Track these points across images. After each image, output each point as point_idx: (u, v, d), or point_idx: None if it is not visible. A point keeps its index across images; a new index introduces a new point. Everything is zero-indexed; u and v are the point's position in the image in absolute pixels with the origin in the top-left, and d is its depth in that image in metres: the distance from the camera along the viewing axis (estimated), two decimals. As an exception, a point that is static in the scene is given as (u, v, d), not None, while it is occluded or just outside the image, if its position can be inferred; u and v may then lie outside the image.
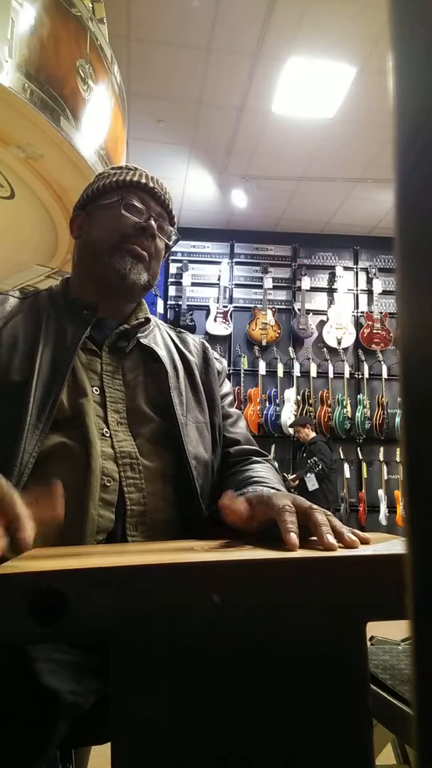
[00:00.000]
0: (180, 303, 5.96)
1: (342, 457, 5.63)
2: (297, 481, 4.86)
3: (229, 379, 1.13)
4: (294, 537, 0.57)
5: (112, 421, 0.87)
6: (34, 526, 0.57)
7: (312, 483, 4.79)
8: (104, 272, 0.94)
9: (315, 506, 0.63)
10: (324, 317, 6.05)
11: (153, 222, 0.95)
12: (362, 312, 6.09)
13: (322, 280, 6.19)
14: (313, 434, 5.21)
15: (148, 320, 1.01)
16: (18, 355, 0.86)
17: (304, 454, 5.14)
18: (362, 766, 0.46)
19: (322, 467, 4.85)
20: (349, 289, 6.15)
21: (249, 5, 3.37)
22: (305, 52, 3.71)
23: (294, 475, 4.98)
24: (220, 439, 0.98)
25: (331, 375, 5.80)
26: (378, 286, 6.04)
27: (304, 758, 0.45)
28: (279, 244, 6.22)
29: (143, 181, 0.97)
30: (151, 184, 0.98)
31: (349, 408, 5.72)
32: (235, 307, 6.04)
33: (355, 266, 6.23)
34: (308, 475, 4.83)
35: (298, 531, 0.58)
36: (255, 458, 0.99)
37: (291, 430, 5.55)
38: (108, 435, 0.85)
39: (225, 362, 1.13)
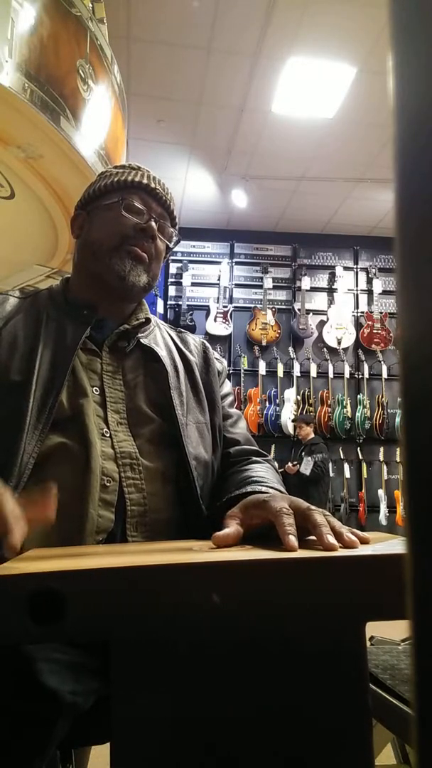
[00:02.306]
0: (180, 303, 5.96)
1: (342, 457, 5.64)
2: (297, 467, 4.87)
3: (229, 379, 1.13)
4: (293, 539, 0.56)
5: (112, 421, 0.87)
6: (25, 528, 0.58)
7: (307, 467, 4.80)
8: (104, 273, 0.94)
9: (313, 507, 0.63)
10: (324, 317, 6.05)
11: (153, 223, 0.95)
12: (362, 312, 6.09)
13: (322, 280, 6.19)
14: (312, 434, 5.21)
15: (148, 320, 1.01)
16: (18, 355, 0.86)
17: (302, 453, 5.14)
18: (362, 766, 0.46)
19: (321, 462, 4.85)
20: (349, 289, 6.15)
21: (249, 5, 3.37)
22: (305, 52, 3.71)
23: (295, 462, 4.98)
24: (220, 439, 0.98)
25: (331, 375, 5.81)
26: (378, 286, 6.04)
27: (304, 758, 0.45)
28: (279, 244, 6.22)
29: (144, 181, 0.97)
30: (152, 185, 0.97)
31: (349, 408, 5.72)
32: (235, 307, 6.04)
33: (355, 266, 6.23)
34: (307, 458, 4.84)
35: (297, 533, 0.58)
36: (254, 458, 0.98)
37: (291, 429, 5.55)
38: (108, 435, 0.85)
39: (225, 362, 1.13)
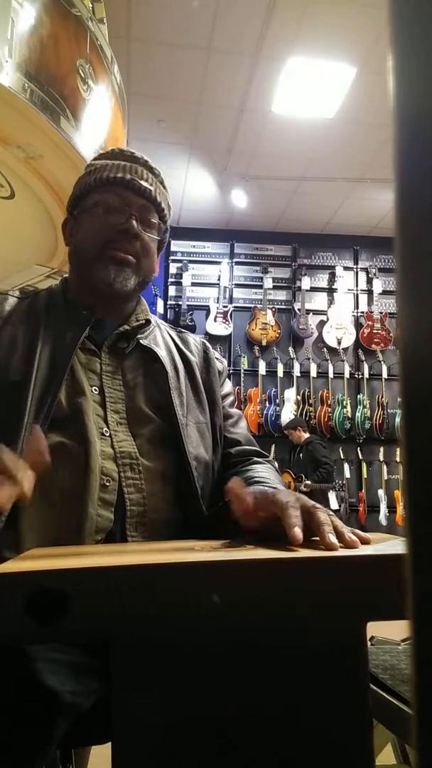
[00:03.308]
0: (180, 303, 5.96)
1: (342, 457, 5.63)
2: (309, 489, 4.82)
3: (230, 379, 1.12)
4: (298, 531, 0.57)
5: (111, 421, 0.87)
6: (29, 474, 0.63)
7: (334, 503, 4.83)
8: (93, 280, 0.93)
9: (318, 505, 0.63)
10: (324, 317, 6.05)
11: (134, 221, 0.92)
12: (362, 312, 6.09)
13: (322, 280, 6.19)
14: (305, 435, 5.18)
15: (148, 321, 1.00)
16: (17, 355, 0.86)
17: (300, 455, 5.12)
18: (362, 766, 0.46)
19: (327, 468, 4.85)
20: (349, 289, 6.15)
21: (249, 5, 3.37)
22: (305, 52, 3.71)
23: (309, 483, 4.93)
24: (220, 439, 0.98)
25: (331, 375, 5.80)
26: (378, 286, 6.04)
27: (304, 758, 0.45)
28: (279, 244, 6.22)
29: (119, 175, 0.93)
30: (128, 177, 0.93)
31: (349, 408, 5.72)
32: (235, 307, 6.04)
33: (355, 266, 6.23)
34: (330, 493, 4.85)
35: (302, 526, 0.58)
36: (256, 459, 0.98)
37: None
38: (108, 435, 0.85)
39: (226, 362, 1.13)
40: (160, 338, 1.01)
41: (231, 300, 6.07)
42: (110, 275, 0.91)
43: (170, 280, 6.07)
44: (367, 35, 3.51)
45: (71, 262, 0.99)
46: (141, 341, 0.96)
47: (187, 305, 5.97)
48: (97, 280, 0.92)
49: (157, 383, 0.93)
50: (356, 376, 5.91)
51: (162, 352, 0.96)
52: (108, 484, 0.81)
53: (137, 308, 1.01)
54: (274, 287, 6.11)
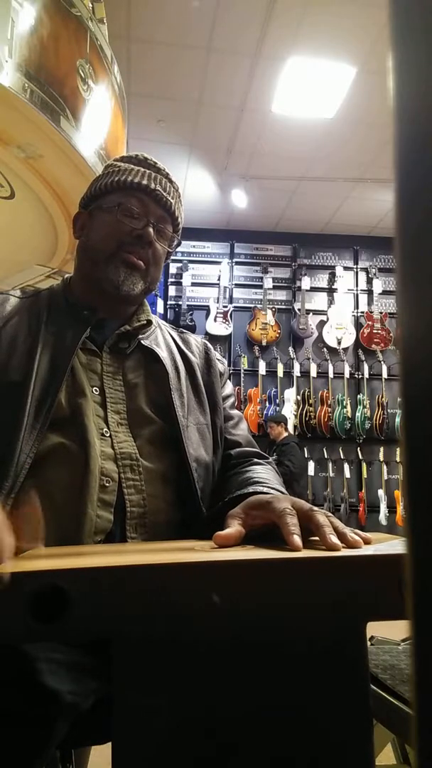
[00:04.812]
0: (180, 303, 5.96)
1: (342, 457, 5.63)
2: None
3: (230, 379, 1.12)
4: (297, 539, 0.57)
5: (112, 421, 0.87)
6: (12, 541, 0.53)
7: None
8: (100, 279, 0.93)
9: (315, 508, 0.63)
10: (324, 317, 6.05)
11: (151, 229, 0.93)
12: (362, 312, 6.09)
13: (322, 280, 6.18)
14: (285, 434, 5.15)
15: (150, 322, 1.00)
16: (17, 355, 0.86)
17: (275, 454, 5.11)
18: (362, 766, 0.46)
19: (289, 470, 4.80)
20: (349, 289, 6.15)
21: (249, 5, 3.37)
22: (305, 52, 3.71)
23: None
24: (221, 440, 0.98)
25: (331, 375, 5.80)
26: (378, 286, 6.04)
27: (304, 758, 0.45)
28: (279, 244, 6.22)
29: (144, 182, 0.95)
30: (152, 186, 0.95)
31: (349, 408, 5.72)
32: (235, 307, 6.04)
33: (355, 266, 6.23)
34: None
35: (300, 533, 0.58)
36: (256, 460, 0.98)
37: (291, 428, 5.53)
38: (108, 435, 0.85)
39: (227, 363, 1.13)
40: (161, 339, 1.01)
41: (231, 300, 6.07)
42: (119, 277, 0.92)
43: (170, 280, 6.07)
44: (367, 35, 3.51)
45: (78, 257, 0.99)
46: (142, 342, 0.96)
47: (187, 305, 5.97)
48: (105, 280, 0.92)
49: (157, 384, 0.93)
50: (356, 376, 5.91)
51: (163, 353, 0.96)
52: (108, 484, 0.81)
53: (139, 309, 1.01)
54: (274, 287, 6.11)
